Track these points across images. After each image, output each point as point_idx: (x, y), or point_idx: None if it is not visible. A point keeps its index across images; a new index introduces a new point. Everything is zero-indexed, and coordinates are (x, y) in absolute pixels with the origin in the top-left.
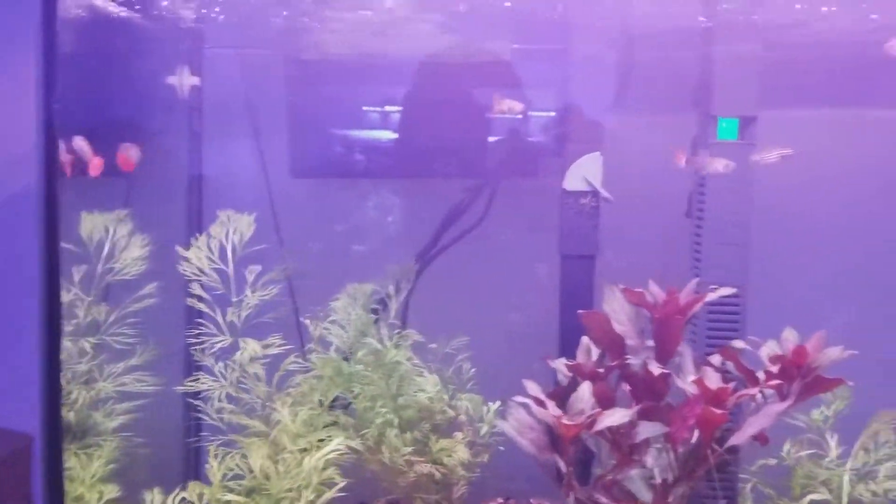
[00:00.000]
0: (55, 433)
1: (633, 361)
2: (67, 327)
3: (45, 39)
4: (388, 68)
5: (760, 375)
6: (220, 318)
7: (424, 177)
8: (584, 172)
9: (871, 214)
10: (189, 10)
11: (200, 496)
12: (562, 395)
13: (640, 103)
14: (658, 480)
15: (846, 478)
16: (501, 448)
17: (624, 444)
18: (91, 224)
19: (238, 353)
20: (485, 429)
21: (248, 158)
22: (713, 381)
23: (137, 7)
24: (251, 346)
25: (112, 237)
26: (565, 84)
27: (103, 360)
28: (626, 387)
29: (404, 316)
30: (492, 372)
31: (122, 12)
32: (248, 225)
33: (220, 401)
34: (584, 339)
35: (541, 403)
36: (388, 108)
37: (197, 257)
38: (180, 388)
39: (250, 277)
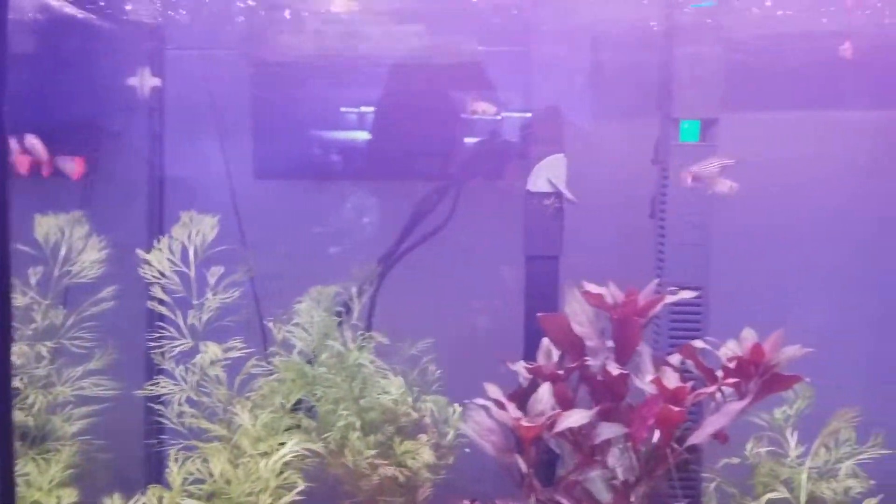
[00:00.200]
0: (5, 439)
1: (593, 363)
2: (25, 331)
3: None
4: (352, 70)
5: (719, 374)
6: (181, 322)
7: (389, 179)
8: (548, 174)
9: (833, 215)
10: (151, 11)
11: (160, 500)
12: (522, 397)
13: (603, 105)
14: (620, 480)
15: (804, 476)
16: (467, 450)
17: (585, 445)
18: (46, 226)
19: (198, 357)
20: (450, 431)
21: (212, 159)
22: (671, 380)
23: (99, 8)
24: (211, 350)
25: (68, 239)
26: (529, 86)
27: (62, 365)
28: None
29: (370, 318)
30: (458, 373)
31: (83, 13)
32: (211, 227)
33: (180, 405)
34: (545, 341)
35: (501, 406)
36: (352, 109)
37: (158, 260)
38: (140, 392)
39: (212, 280)
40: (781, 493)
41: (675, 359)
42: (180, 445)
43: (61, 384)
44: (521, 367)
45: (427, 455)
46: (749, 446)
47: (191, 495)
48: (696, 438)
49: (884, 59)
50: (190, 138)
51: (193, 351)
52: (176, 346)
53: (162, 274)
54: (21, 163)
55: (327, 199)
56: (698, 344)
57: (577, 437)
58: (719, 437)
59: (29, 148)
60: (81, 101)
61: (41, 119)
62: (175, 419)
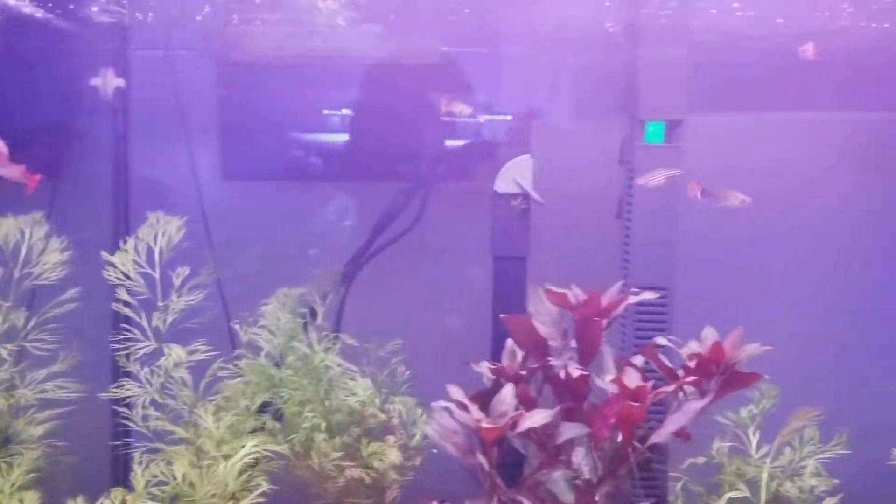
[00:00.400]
0: None
1: (556, 363)
2: None
3: None
4: (320, 70)
5: (681, 373)
6: (145, 324)
7: (359, 179)
8: (515, 175)
9: (796, 215)
10: (115, 12)
11: (123, 503)
12: (485, 398)
13: (570, 106)
14: (583, 480)
15: (765, 475)
16: (435, 451)
17: (549, 445)
18: (5, 227)
19: (163, 359)
20: (418, 432)
21: (180, 160)
22: (632, 379)
23: (60, 8)
24: (175, 352)
25: (28, 241)
26: (495, 87)
27: (24, 367)
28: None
29: (339, 320)
30: (427, 374)
31: (43, 13)
32: (178, 228)
33: (144, 408)
34: (509, 342)
35: (463, 407)
36: (320, 110)
37: (123, 261)
38: (104, 395)
39: (177, 281)
40: (743, 491)
41: (639, 359)
42: (145, 448)
43: (24, 387)
44: (484, 367)
45: (394, 456)
46: (716, 445)
47: (154, 498)
48: (657, 437)
49: (848, 60)
50: (157, 139)
51: (160, 353)
52: (140, 349)
53: (126, 276)
54: None
55: (297, 200)
56: (660, 342)
57: (541, 437)
58: (681, 435)
59: None
60: (43, 103)
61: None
62: (140, 422)
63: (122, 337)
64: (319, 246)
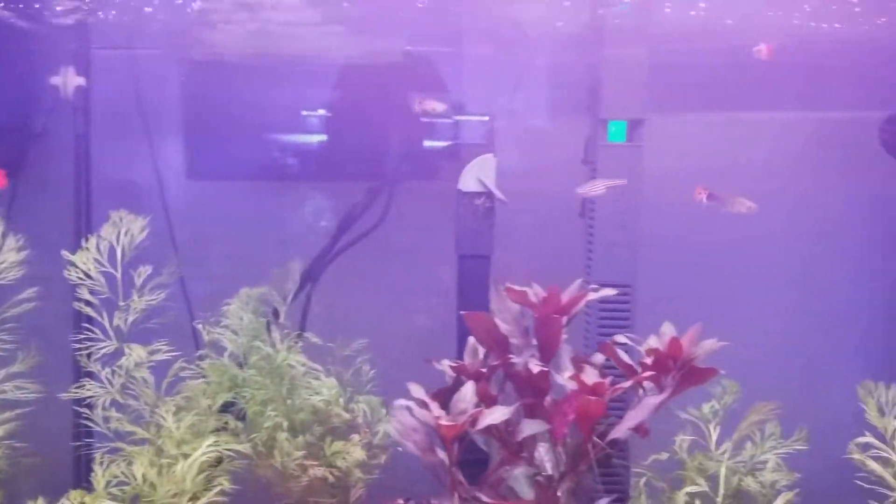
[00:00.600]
0: None
1: (517, 360)
2: None
3: None
4: (286, 70)
5: (639, 369)
6: (107, 323)
7: (324, 179)
8: (478, 173)
9: (762, 216)
10: (77, 10)
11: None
12: (447, 396)
13: (534, 106)
14: (544, 476)
15: (723, 470)
16: (399, 449)
17: (510, 442)
18: None
19: (124, 359)
20: (382, 430)
21: (143, 160)
22: (590, 376)
23: (20, 6)
24: (136, 352)
25: None
26: (459, 87)
27: None
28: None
29: (304, 319)
30: (393, 373)
31: (4, 11)
32: (141, 228)
33: (104, 408)
34: (471, 340)
35: (423, 405)
36: (285, 109)
37: (84, 261)
38: (65, 395)
39: (139, 280)
40: (702, 486)
41: (599, 357)
42: (106, 449)
43: None
44: (446, 365)
45: (358, 455)
46: (678, 441)
47: (114, 498)
48: (616, 433)
49: (803, 59)
50: (120, 138)
51: (121, 353)
52: (101, 349)
53: (87, 275)
54: None
55: (262, 200)
56: (619, 340)
57: (503, 434)
58: (640, 431)
59: None
60: (2, 102)
61: None
62: (101, 422)
63: (84, 337)
64: (284, 245)
